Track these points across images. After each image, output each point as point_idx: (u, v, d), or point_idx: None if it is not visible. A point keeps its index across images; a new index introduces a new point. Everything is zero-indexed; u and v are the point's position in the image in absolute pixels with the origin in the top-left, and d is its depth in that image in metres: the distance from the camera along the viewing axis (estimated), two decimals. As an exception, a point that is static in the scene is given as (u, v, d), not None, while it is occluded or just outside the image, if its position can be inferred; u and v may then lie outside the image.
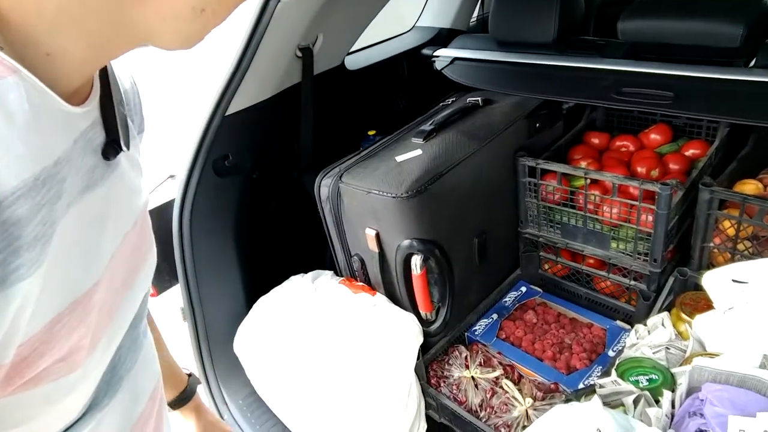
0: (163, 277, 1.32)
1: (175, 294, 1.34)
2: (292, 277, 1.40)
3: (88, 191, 0.41)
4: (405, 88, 1.82)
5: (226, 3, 0.40)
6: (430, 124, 1.39)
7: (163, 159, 1.39)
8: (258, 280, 1.44)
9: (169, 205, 1.31)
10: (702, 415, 0.72)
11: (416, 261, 1.22)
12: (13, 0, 0.34)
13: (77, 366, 0.41)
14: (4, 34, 0.34)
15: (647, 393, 0.87)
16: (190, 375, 0.88)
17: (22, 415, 0.39)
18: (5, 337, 0.33)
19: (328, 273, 1.41)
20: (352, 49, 1.64)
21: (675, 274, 1.23)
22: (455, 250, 1.30)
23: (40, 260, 0.34)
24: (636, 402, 0.87)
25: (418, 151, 1.31)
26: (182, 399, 0.85)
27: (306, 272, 1.41)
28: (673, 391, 0.85)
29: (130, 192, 0.51)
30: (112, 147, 0.45)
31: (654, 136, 1.51)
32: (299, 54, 1.39)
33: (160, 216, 1.30)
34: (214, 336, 1.41)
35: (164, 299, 1.34)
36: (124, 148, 0.46)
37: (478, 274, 1.43)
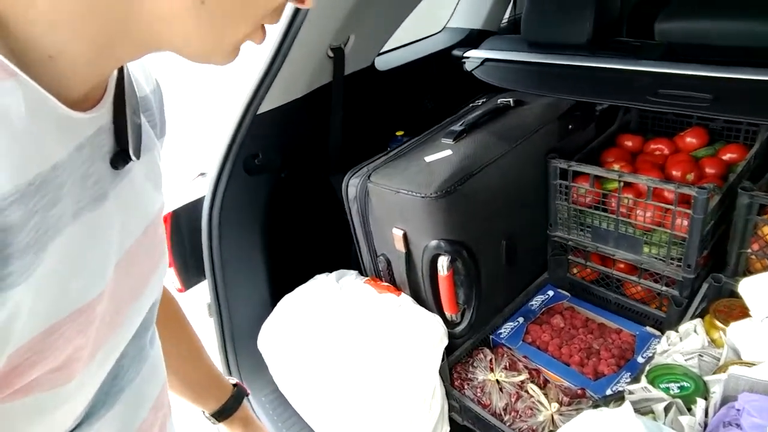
0: (191, 273, 1.33)
1: (203, 290, 1.36)
2: (317, 276, 1.41)
3: (97, 201, 0.40)
4: (434, 90, 1.82)
5: None
6: (461, 125, 1.38)
7: (195, 156, 1.42)
8: (283, 278, 1.44)
9: (199, 202, 1.33)
10: (738, 425, 0.70)
11: (443, 262, 1.21)
12: (8, 3, 0.33)
13: (72, 376, 0.40)
14: (5, 39, 0.33)
15: (679, 401, 0.85)
16: (235, 385, 0.83)
17: (10, 425, 0.37)
18: None
19: (353, 272, 1.41)
20: (383, 49, 1.64)
21: (709, 280, 1.20)
22: (483, 251, 1.28)
23: (32, 268, 0.33)
24: (667, 410, 0.84)
25: (448, 152, 1.30)
26: (226, 410, 0.80)
27: (331, 271, 1.42)
28: (706, 399, 0.83)
29: (142, 200, 0.49)
30: (120, 156, 0.43)
31: (690, 140, 1.48)
32: (331, 54, 1.40)
33: (191, 213, 1.32)
34: (239, 332, 1.42)
35: (191, 295, 1.35)
36: (133, 157, 0.44)
37: (505, 277, 1.41)
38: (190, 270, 1.33)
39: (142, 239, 0.49)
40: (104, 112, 0.42)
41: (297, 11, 1.20)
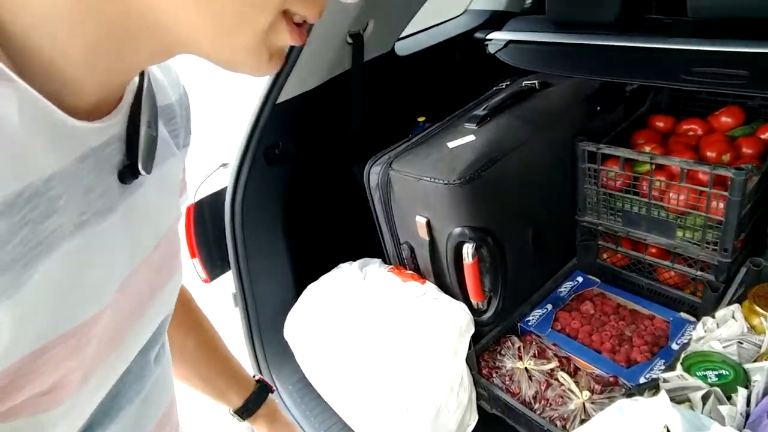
0: (216, 264, 1.34)
1: (228, 280, 1.36)
2: (341, 265, 1.40)
3: (102, 215, 0.38)
4: (457, 74, 1.78)
5: None
6: (484, 109, 1.35)
7: (217, 147, 1.41)
8: (307, 267, 1.44)
9: (221, 192, 1.32)
10: (782, 414, 0.66)
11: (468, 249, 1.18)
12: (4, 6, 0.31)
13: (61, 402, 0.37)
14: (3, 45, 0.32)
15: (718, 389, 0.82)
16: (259, 381, 0.81)
17: None
18: None
19: (377, 261, 1.40)
20: (403, 34, 1.62)
21: (747, 265, 1.15)
22: (509, 238, 1.26)
23: (17, 285, 0.30)
24: (705, 399, 0.81)
25: (471, 137, 1.28)
26: (248, 407, 0.78)
27: (354, 260, 1.41)
28: (747, 388, 0.79)
29: (154, 214, 0.46)
30: (129, 170, 0.41)
31: (725, 119, 1.42)
32: (350, 41, 1.38)
33: (213, 204, 1.32)
34: (265, 322, 1.42)
35: (217, 286, 1.36)
36: (143, 172, 0.42)
37: (532, 263, 1.38)
38: (214, 261, 1.34)
39: (153, 254, 0.46)
40: (117, 121, 0.40)
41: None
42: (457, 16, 1.90)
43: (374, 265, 1.38)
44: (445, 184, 1.15)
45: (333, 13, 1.24)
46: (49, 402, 0.36)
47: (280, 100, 1.29)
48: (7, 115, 0.30)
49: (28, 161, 0.31)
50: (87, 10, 0.33)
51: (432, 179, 1.17)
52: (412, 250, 1.32)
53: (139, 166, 0.41)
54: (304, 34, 0.40)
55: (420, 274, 1.32)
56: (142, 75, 0.43)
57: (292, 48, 1.24)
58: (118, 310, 0.41)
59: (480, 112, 1.35)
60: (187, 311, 0.73)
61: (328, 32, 1.30)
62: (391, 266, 1.36)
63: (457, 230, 1.19)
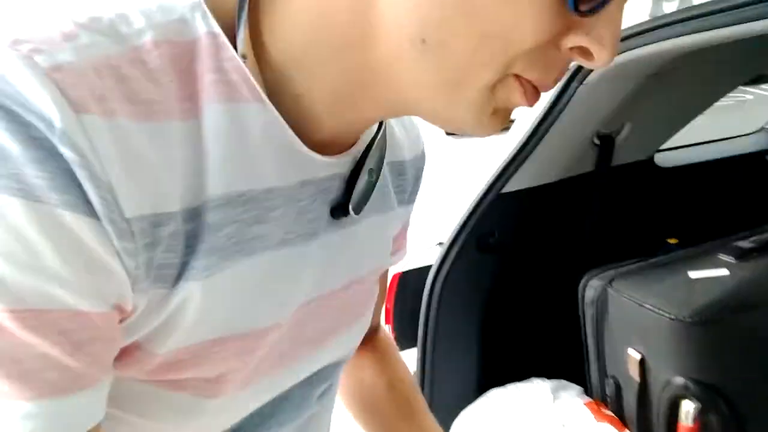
0: (406, 337, 1.33)
1: (413, 356, 1.34)
2: (534, 379, 1.26)
3: (306, 238, 0.40)
4: (730, 198, 1.50)
5: (451, 28, 0.33)
6: (751, 242, 1.12)
7: (436, 225, 1.43)
8: (494, 368, 1.33)
9: (429, 269, 1.33)
10: None
11: (688, 408, 0.97)
12: (274, 42, 0.36)
13: (219, 394, 0.40)
14: (264, 72, 0.36)
15: None
16: None
17: (144, 408, 0.38)
18: (163, 327, 0.34)
19: (575, 388, 1.22)
20: (668, 144, 1.44)
21: None
22: (753, 409, 0.99)
23: (214, 270, 0.34)
24: None
25: (724, 271, 1.08)
26: None
27: (550, 377, 1.25)
28: None
29: (355, 256, 0.48)
30: (341, 208, 0.43)
31: None
32: (597, 141, 1.29)
33: (418, 278, 1.32)
34: (436, 411, 1.34)
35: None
36: (352, 213, 0.44)
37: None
38: (405, 333, 1.33)
39: (342, 292, 0.47)
40: (344, 162, 0.42)
41: (563, 92, 1.13)
42: (749, 134, 1.62)
43: (570, 392, 1.20)
44: (672, 319, 0.98)
45: (582, 110, 1.17)
46: (210, 389, 0.39)
47: (506, 189, 1.25)
48: (250, 128, 0.34)
49: (255, 170, 0.35)
50: (337, 59, 0.36)
51: (656, 309, 1.01)
52: (618, 387, 1.13)
53: (350, 207, 0.43)
54: (536, 96, 0.37)
55: (621, 419, 1.11)
56: (380, 127, 0.46)
57: (529, 140, 1.20)
58: (292, 332, 0.43)
59: (745, 244, 1.13)
60: (383, 352, 0.70)
61: (572, 130, 1.23)
62: (589, 399, 1.17)
63: (678, 380, 0.99)
